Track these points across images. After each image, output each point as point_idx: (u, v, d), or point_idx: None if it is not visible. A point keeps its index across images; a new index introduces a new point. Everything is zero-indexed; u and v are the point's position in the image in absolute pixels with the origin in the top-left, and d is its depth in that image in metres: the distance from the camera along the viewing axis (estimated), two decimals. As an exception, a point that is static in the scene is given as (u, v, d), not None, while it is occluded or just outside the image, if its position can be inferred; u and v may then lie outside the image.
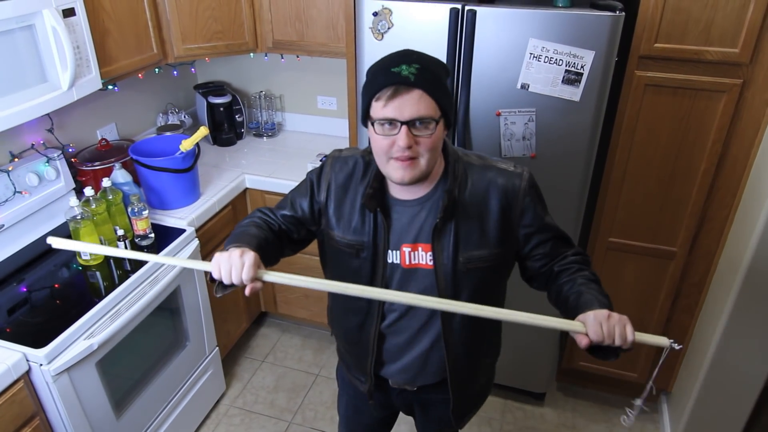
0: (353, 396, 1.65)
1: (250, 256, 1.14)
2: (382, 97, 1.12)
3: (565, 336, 2.57)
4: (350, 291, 1.17)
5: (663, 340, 1.14)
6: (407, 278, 1.29)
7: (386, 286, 1.30)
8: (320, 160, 2.58)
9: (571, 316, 1.20)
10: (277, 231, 1.37)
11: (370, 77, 1.17)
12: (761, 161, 1.87)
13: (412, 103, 1.11)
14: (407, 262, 1.28)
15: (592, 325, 1.11)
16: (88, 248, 1.39)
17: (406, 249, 1.27)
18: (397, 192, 1.28)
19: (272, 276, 1.16)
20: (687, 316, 2.29)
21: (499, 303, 1.42)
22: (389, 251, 1.28)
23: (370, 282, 1.30)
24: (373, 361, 1.43)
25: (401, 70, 1.11)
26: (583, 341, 1.12)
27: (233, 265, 1.13)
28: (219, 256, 1.15)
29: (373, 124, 1.16)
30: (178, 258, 1.28)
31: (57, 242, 1.30)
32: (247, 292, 1.16)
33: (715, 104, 1.90)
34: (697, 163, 2.00)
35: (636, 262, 2.25)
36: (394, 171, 1.17)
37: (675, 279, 2.22)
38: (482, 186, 1.26)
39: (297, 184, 1.43)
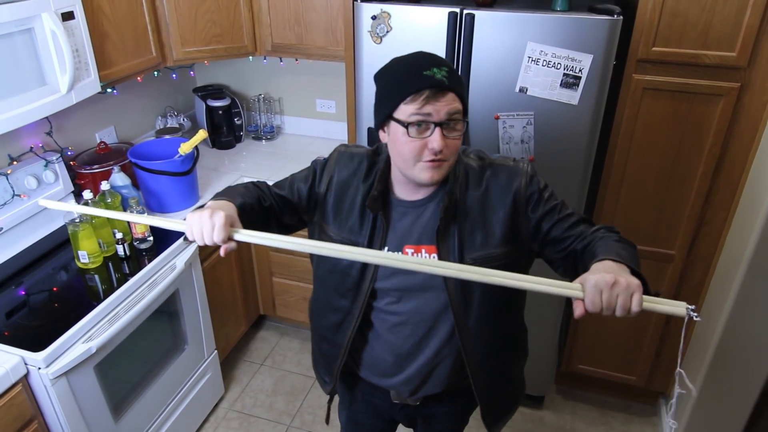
0: (353, 411, 1.62)
1: (220, 216, 1.08)
2: (417, 99, 1.11)
3: (564, 338, 2.57)
4: (330, 253, 1.11)
5: (680, 309, 0.95)
6: (410, 279, 1.26)
7: (375, 288, 1.28)
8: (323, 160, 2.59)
9: (579, 273, 1.04)
10: (266, 206, 1.32)
11: (397, 80, 1.14)
12: (759, 164, 1.88)
13: (448, 104, 1.12)
14: None
15: (591, 292, 0.96)
16: (78, 209, 1.38)
17: (409, 250, 1.26)
18: (402, 193, 1.26)
19: (245, 235, 1.11)
20: (685, 319, 2.29)
21: (519, 304, 1.39)
22: (388, 252, 1.25)
23: (358, 283, 1.28)
24: (342, 364, 1.40)
25: (434, 74, 1.11)
26: (577, 310, 0.98)
27: (204, 226, 1.08)
28: (191, 217, 1.11)
29: (405, 127, 1.13)
30: (155, 217, 1.23)
31: (49, 204, 1.31)
32: (221, 253, 1.12)
33: (712, 108, 1.91)
34: (695, 166, 2.01)
35: (634, 265, 2.25)
36: (422, 172, 1.16)
37: (673, 282, 2.23)
38: (483, 185, 1.25)
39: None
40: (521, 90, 1.91)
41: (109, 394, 1.87)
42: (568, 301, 2.38)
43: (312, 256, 1.41)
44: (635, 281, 0.96)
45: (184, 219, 1.13)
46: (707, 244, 2.13)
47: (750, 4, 1.73)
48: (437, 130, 1.11)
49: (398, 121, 1.13)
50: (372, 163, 1.30)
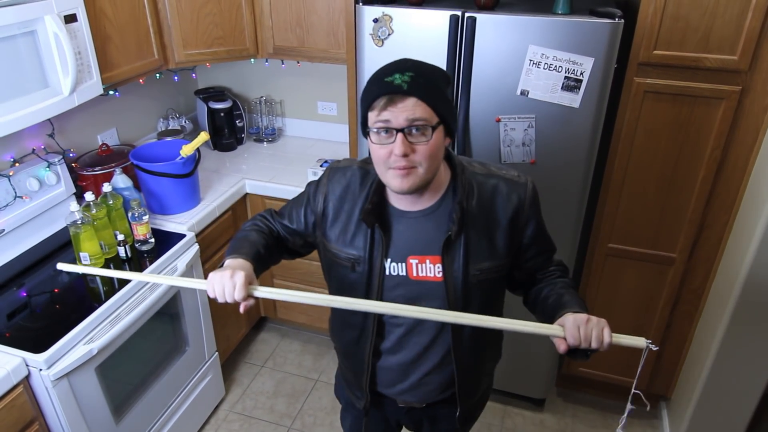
0: (357, 416, 1.62)
1: (240, 276, 1.16)
2: (376, 106, 1.11)
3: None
4: (338, 304, 1.18)
5: (640, 342, 1.15)
6: (414, 290, 1.27)
7: (381, 299, 1.28)
8: (320, 166, 2.59)
9: (550, 316, 1.23)
10: (276, 236, 1.40)
11: (366, 87, 1.17)
12: (760, 168, 1.88)
13: (406, 110, 1.10)
14: (414, 274, 1.26)
15: (570, 328, 1.13)
16: (99, 272, 1.43)
17: (413, 261, 1.26)
18: (401, 204, 1.26)
19: (263, 292, 1.19)
20: (686, 322, 2.29)
21: (500, 311, 1.43)
22: (392, 264, 1.26)
23: (365, 296, 1.29)
24: (369, 379, 1.41)
25: (394, 79, 1.10)
26: (561, 346, 1.15)
27: (225, 285, 1.16)
28: (212, 277, 1.18)
29: (370, 134, 1.16)
30: (177, 278, 1.32)
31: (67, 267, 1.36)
32: (241, 309, 1.20)
33: (713, 111, 1.91)
34: (696, 169, 2.01)
35: (635, 268, 2.25)
36: (392, 180, 1.16)
37: (674, 285, 2.23)
38: (488, 196, 1.26)
39: (298, 191, 1.44)
40: (522, 93, 1.92)
41: (110, 396, 1.87)
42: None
43: (324, 273, 1.43)
44: (603, 319, 1.15)
45: (206, 278, 1.20)
46: (708, 248, 2.13)
47: (751, 8, 1.73)
48: (399, 136, 1.11)
49: (368, 129, 1.16)
50: (364, 173, 1.30)
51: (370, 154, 1.23)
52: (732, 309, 1.93)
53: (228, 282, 1.16)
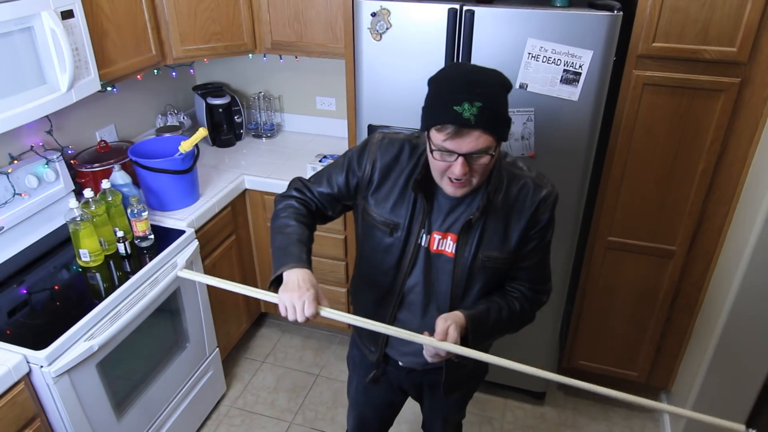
0: (364, 376, 1.68)
1: (310, 297, 1.22)
2: (442, 130, 1.16)
3: (565, 335, 2.57)
4: (377, 328, 1.29)
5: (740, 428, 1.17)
6: (430, 261, 1.37)
7: (413, 266, 1.38)
8: (320, 161, 2.59)
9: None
10: (314, 211, 1.45)
11: (437, 100, 1.18)
12: (759, 160, 1.87)
13: (471, 141, 1.15)
14: (434, 248, 1.36)
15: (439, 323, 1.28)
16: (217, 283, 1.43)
17: (437, 236, 1.35)
18: None
19: (329, 312, 1.27)
20: (686, 314, 2.30)
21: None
22: (422, 234, 1.35)
23: (399, 260, 1.38)
24: (387, 336, 1.50)
25: (463, 111, 1.13)
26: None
27: (297, 308, 1.23)
28: (285, 299, 1.23)
29: (431, 148, 1.21)
30: (253, 289, 1.39)
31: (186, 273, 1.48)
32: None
33: (713, 103, 1.90)
34: (696, 162, 2.01)
35: (635, 261, 2.25)
36: (447, 187, 1.25)
37: (674, 278, 2.23)
38: (514, 193, 1.33)
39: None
40: (521, 86, 1.91)
41: (112, 392, 1.88)
42: (569, 299, 2.39)
43: (358, 235, 1.49)
44: (455, 326, 1.27)
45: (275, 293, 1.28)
46: (708, 240, 2.13)
47: (750, 0, 1.72)
48: (460, 159, 1.17)
49: (429, 140, 1.21)
50: (413, 146, 1.36)
51: (427, 141, 1.28)
52: (732, 301, 1.94)
53: (299, 303, 1.22)
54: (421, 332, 1.44)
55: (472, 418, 2.54)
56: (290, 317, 1.23)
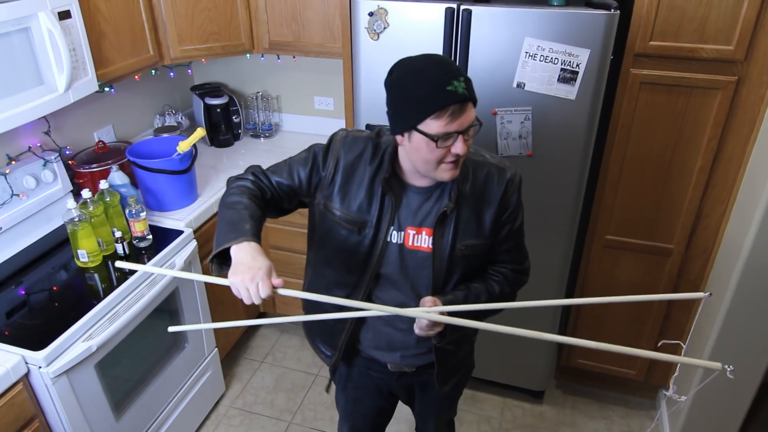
0: (353, 389, 1.67)
1: (263, 277, 1.13)
2: (443, 115, 1.16)
3: (563, 334, 2.57)
4: (348, 303, 1.21)
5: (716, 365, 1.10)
6: (406, 257, 1.36)
7: (380, 263, 1.37)
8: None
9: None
10: (268, 198, 1.38)
11: (420, 94, 1.17)
12: (756, 158, 1.88)
13: (468, 115, 1.19)
14: (410, 244, 1.36)
15: (426, 300, 1.28)
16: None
17: (411, 231, 1.35)
18: (411, 179, 1.34)
19: (287, 291, 1.18)
20: (684, 312, 2.30)
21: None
22: (393, 231, 1.35)
23: (366, 258, 1.36)
24: (347, 337, 1.48)
25: (456, 88, 1.15)
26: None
27: (251, 291, 1.13)
28: (237, 282, 1.14)
29: (435, 140, 1.18)
30: (201, 275, 1.30)
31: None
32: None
33: (710, 101, 1.91)
34: (693, 160, 2.01)
35: (633, 260, 2.25)
36: (444, 173, 1.24)
37: (672, 276, 2.23)
38: (481, 180, 1.35)
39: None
40: (519, 85, 1.92)
41: (110, 393, 1.88)
42: (567, 298, 2.39)
43: (313, 237, 1.47)
44: (433, 305, 1.26)
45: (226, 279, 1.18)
46: (705, 238, 2.13)
47: (747, -2, 1.73)
48: (460, 138, 1.19)
49: (424, 134, 1.18)
50: (376, 144, 1.36)
51: (386, 131, 1.32)
52: (730, 299, 1.94)
53: (252, 287, 1.13)
54: (396, 329, 1.45)
55: (471, 417, 2.54)
56: (246, 301, 1.15)
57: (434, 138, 1.18)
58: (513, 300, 1.47)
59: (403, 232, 1.35)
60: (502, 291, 1.42)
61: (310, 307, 1.54)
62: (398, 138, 1.26)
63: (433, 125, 1.17)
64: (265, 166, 1.47)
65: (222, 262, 1.22)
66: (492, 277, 1.44)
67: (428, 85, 1.16)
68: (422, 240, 1.35)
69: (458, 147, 1.19)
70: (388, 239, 1.35)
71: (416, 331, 1.32)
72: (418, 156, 1.23)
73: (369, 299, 1.42)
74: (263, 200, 1.37)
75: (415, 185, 1.34)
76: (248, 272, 1.13)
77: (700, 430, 2.22)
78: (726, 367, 1.07)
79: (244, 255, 1.16)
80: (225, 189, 1.40)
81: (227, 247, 1.18)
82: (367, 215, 1.34)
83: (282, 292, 1.17)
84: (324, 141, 1.43)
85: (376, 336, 1.49)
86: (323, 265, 1.46)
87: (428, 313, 1.23)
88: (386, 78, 1.26)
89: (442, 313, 1.23)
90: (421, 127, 1.18)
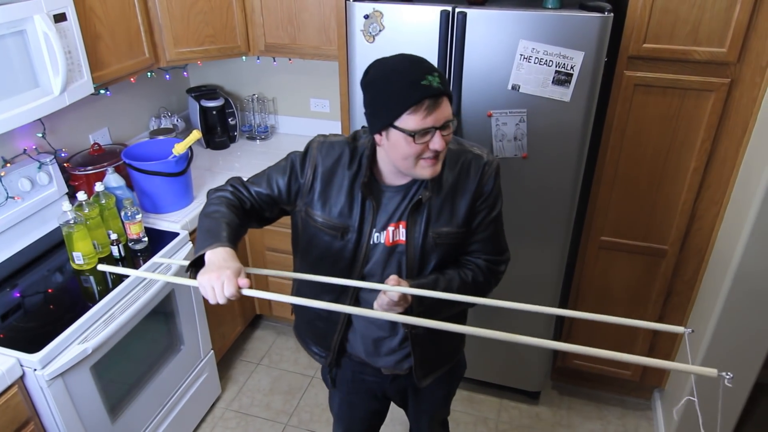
0: (346, 392, 1.67)
1: (229, 275, 1.14)
2: (419, 110, 1.17)
3: (559, 334, 2.58)
4: (318, 305, 1.18)
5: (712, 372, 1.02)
6: (386, 255, 1.37)
7: (365, 265, 1.38)
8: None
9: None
10: (248, 209, 1.40)
11: (394, 91, 1.18)
12: (750, 159, 1.89)
13: (444, 109, 1.19)
14: (390, 240, 1.36)
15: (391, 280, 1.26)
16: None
17: (391, 228, 1.36)
18: (389, 179, 1.34)
19: (252, 292, 1.17)
20: (679, 313, 2.31)
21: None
22: (375, 233, 1.36)
23: (351, 262, 1.37)
24: (340, 338, 1.50)
25: (431, 83, 1.16)
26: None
27: (216, 290, 1.14)
28: (204, 281, 1.15)
29: (412, 136, 1.18)
30: (173, 277, 1.29)
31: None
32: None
33: (703, 103, 1.92)
34: (687, 161, 2.02)
35: (628, 261, 2.26)
36: (424, 170, 1.24)
37: (667, 277, 2.24)
38: (456, 168, 1.35)
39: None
40: (514, 87, 1.92)
41: (106, 395, 1.87)
42: (562, 299, 2.40)
43: (297, 244, 1.47)
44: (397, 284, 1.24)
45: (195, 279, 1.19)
46: (699, 239, 2.15)
47: (739, 0, 1.74)
48: (437, 133, 1.19)
49: (402, 130, 1.19)
50: (353, 149, 1.36)
51: (362, 132, 1.34)
52: (724, 299, 1.95)
53: (217, 284, 1.14)
54: (378, 327, 1.46)
55: (467, 418, 2.54)
56: (210, 300, 1.16)
57: (411, 133, 1.18)
58: (490, 289, 1.45)
59: (384, 232, 1.36)
60: (476, 279, 1.40)
61: (307, 296, 1.53)
62: (377, 138, 1.27)
63: (409, 121, 1.18)
64: (259, 169, 1.48)
65: (199, 269, 1.22)
66: (465, 265, 1.42)
67: (403, 81, 1.18)
68: (400, 234, 1.35)
69: (436, 143, 1.20)
70: (371, 242, 1.36)
71: (375, 306, 1.30)
72: (397, 154, 1.23)
73: (356, 301, 1.43)
74: (242, 210, 1.38)
75: (394, 185, 1.34)
76: (216, 272, 1.15)
77: (695, 430, 2.23)
78: (724, 374, 1.01)
79: (217, 257, 1.18)
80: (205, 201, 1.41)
81: (203, 253, 1.20)
82: (349, 220, 1.34)
83: (247, 292, 1.17)
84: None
85: (364, 339, 1.50)
86: (309, 271, 1.45)
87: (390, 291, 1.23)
88: (362, 78, 1.28)
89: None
90: (398, 123, 1.19)
